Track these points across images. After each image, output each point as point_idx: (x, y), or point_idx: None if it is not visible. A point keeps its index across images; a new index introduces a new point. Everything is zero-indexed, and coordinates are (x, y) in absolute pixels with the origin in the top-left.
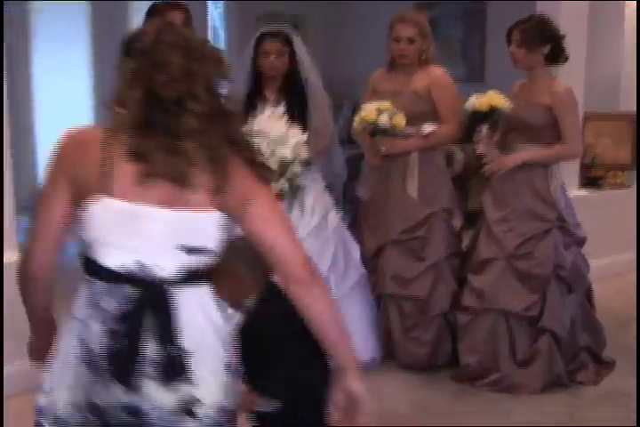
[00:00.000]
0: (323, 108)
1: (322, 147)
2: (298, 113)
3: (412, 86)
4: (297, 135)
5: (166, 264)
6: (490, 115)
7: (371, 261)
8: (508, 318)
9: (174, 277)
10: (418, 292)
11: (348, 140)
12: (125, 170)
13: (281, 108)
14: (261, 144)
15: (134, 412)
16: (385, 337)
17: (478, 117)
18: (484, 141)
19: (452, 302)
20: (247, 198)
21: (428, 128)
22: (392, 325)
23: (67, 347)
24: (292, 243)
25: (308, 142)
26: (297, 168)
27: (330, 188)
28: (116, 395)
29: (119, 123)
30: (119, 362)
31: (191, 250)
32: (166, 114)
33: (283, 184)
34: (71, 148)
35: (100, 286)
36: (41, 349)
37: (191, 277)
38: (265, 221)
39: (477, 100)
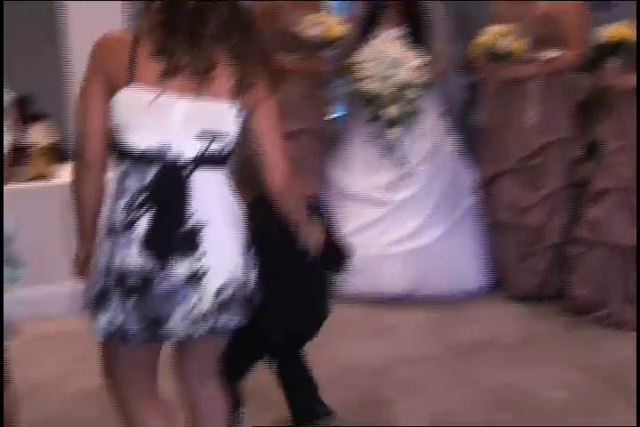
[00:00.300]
0: (443, 32)
1: (439, 70)
2: (418, 36)
3: (539, 10)
4: (413, 58)
5: (187, 148)
6: (619, 47)
7: (485, 188)
8: (621, 251)
9: (193, 160)
10: (532, 221)
11: (467, 66)
12: (150, 66)
13: (399, 31)
14: (377, 67)
15: (145, 279)
16: (496, 265)
17: (607, 49)
18: (611, 73)
19: (566, 234)
20: (256, 102)
21: (551, 54)
22: (504, 253)
23: (103, 222)
24: (280, 150)
25: (426, 66)
26: (413, 92)
27: (447, 113)
28: (135, 261)
29: (144, 27)
30: (135, 232)
31: (210, 136)
32: (188, 19)
33: (399, 108)
34: (102, 48)
35: (126, 166)
36: (85, 260)
37: (209, 161)
38: (265, 125)
39: (607, 31)
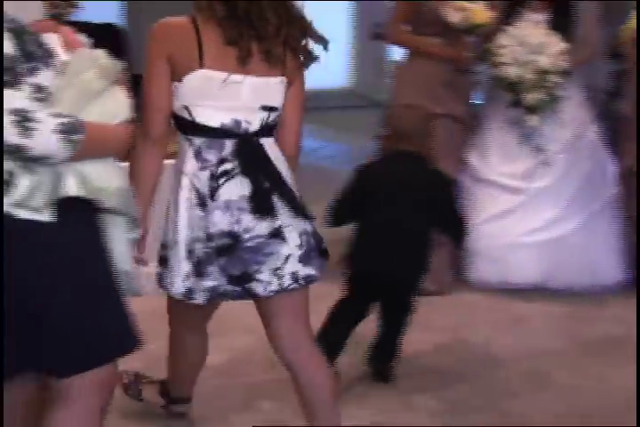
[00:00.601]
0: (591, 17)
1: (584, 58)
2: (563, 21)
3: None
4: (556, 44)
5: (253, 120)
6: None
7: (627, 179)
8: None
9: (258, 131)
10: None
11: (612, 53)
12: (220, 52)
13: (543, 16)
14: (518, 52)
15: (235, 237)
16: (634, 260)
17: None
18: None
19: None
20: (293, 79)
21: None
22: None
23: (179, 197)
24: (299, 122)
25: (569, 52)
26: (555, 78)
27: (590, 102)
28: (221, 225)
29: (207, 15)
30: (222, 198)
31: (268, 108)
32: (249, 12)
33: (540, 94)
34: (165, 33)
35: (201, 141)
36: (143, 238)
37: (267, 130)
38: (294, 99)
39: None
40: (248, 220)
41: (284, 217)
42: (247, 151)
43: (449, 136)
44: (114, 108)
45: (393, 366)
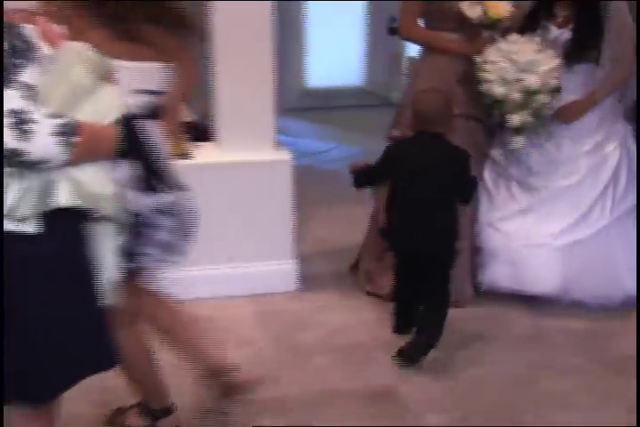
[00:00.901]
0: (624, 35)
1: (616, 82)
2: (588, 38)
3: None
4: (548, 61)
5: (137, 104)
6: None
7: None
8: None
9: (142, 113)
10: None
11: None
12: (105, 42)
13: (566, 32)
14: (505, 70)
15: (132, 215)
16: None
17: None
18: None
19: None
20: (176, 64)
21: None
22: None
23: None
24: (178, 103)
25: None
26: (544, 98)
27: (618, 103)
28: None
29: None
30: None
31: (150, 92)
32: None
33: (525, 115)
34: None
35: None
36: None
37: (149, 112)
38: (176, 82)
39: None
40: (139, 198)
41: (167, 195)
42: (131, 134)
43: (467, 135)
44: (106, 107)
45: (423, 346)
